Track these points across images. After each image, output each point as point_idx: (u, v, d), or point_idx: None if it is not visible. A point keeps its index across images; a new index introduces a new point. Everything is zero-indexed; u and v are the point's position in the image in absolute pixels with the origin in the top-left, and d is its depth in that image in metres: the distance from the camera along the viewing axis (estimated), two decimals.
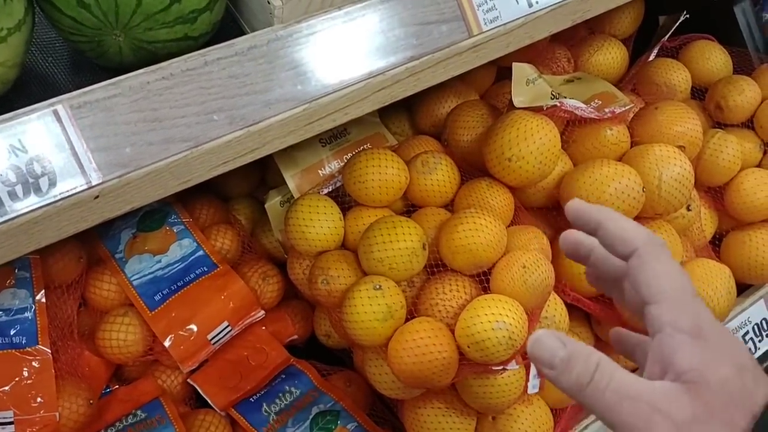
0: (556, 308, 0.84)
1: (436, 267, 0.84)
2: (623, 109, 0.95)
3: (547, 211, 0.97)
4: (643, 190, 0.88)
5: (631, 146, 0.98)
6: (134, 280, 0.91)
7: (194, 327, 0.89)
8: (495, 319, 0.73)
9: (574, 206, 0.53)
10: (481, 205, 0.86)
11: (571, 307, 0.89)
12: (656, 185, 0.90)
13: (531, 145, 0.84)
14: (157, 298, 0.90)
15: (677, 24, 1.19)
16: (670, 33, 1.20)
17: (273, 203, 0.99)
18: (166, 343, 0.88)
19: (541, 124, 0.85)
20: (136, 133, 0.60)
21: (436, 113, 1.06)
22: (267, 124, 0.66)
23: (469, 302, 0.78)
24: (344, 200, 0.91)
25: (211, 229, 0.99)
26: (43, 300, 0.83)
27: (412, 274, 0.82)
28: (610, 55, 1.18)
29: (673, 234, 0.94)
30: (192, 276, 0.93)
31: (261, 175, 1.13)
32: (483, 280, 0.81)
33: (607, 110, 0.94)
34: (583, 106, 0.91)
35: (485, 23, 0.77)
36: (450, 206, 0.92)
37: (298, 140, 0.72)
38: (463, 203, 0.88)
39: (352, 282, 0.81)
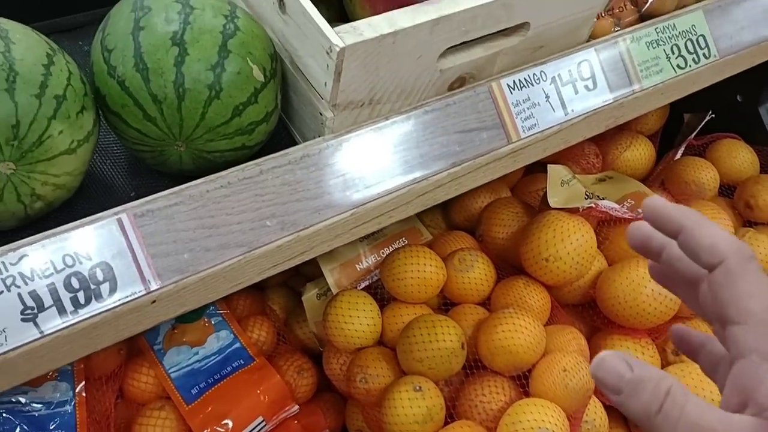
0: (596, 412, 0.83)
1: (474, 366, 0.84)
2: None
3: (582, 308, 0.98)
4: None
5: None
6: (172, 372, 0.92)
7: (230, 422, 0.89)
8: (537, 425, 0.72)
9: (654, 205, 0.47)
10: (519, 304, 0.86)
11: (609, 409, 0.88)
12: None
13: (568, 246, 0.85)
14: (194, 391, 0.90)
15: (703, 123, 1.23)
16: (696, 132, 1.23)
17: (310, 296, 1.00)
18: None
19: (577, 224, 0.87)
20: (194, 239, 0.62)
21: (470, 208, 1.09)
22: (316, 229, 0.68)
23: (509, 405, 0.77)
24: (381, 294, 0.92)
25: (248, 320, 1.00)
26: (83, 393, 0.84)
27: (450, 374, 0.82)
28: (638, 152, 1.21)
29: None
30: (229, 369, 0.93)
31: (296, 265, 1.14)
32: (523, 383, 0.81)
33: (640, 210, 0.95)
34: (617, 206, 0.93)
35: (523, 130, 0.80)
36: (487, 303, 0.92)
37: (344, 243, 0.74)
38: (501, 302, 0.89)
39: (390, 381, 0.81)
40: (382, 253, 0.98)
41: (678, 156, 1.23)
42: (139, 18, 0.62)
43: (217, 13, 0.64)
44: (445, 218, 1.13)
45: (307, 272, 1.11)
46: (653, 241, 0.52)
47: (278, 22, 0.70)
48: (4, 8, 0.90)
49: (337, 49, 0.62)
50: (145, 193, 0.72)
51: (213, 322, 0.98)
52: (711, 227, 0.45)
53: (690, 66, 0.93)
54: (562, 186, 0.93)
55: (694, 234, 0.45)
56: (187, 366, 0.93)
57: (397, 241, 1.01)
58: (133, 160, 0.75)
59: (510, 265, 0.95)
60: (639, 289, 0.87)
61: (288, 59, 0.72)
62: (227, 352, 0.95)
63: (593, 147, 1.22)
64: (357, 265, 0.97)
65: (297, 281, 1.11)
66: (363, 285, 0.94)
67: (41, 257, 0.56)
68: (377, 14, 0.67)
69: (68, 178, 0.61)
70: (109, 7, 0.95)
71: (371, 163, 0.71)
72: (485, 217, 0.99)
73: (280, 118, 0.79)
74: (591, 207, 0.90)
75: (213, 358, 0.94)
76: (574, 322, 0.93)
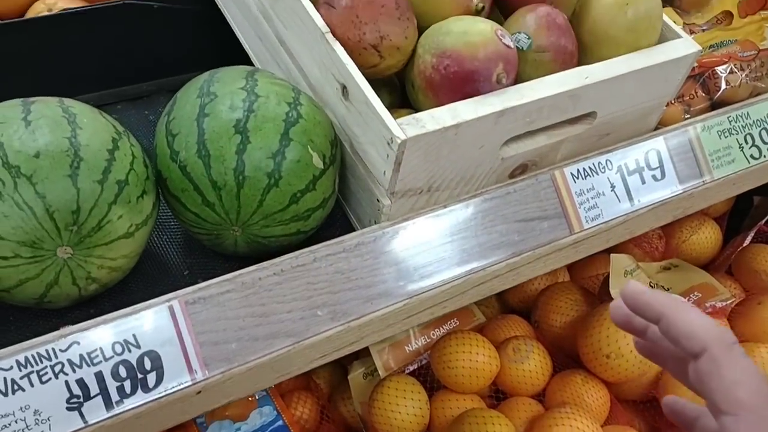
0: None
1: None
2: (724, 303, 0.91)
3: (643, 405, 0.92)
4: None
5: None
6: None
7: None
8: None
9: (632, 292, 0.48)
10: (576, 402, 0.82)
11: None
12: None
13: (630, 343, 0.81)
14: None
15: None
16: (767, 218, 1.17)
17: (356, 375, 0.98)
18: None
19: None
20: (243, 328, 0.61)
21: (526, 291, 1.05)
22: (367, 320, 0.66)
23: None
24: (430, 379, 0.89)
25: (292, 396, 0.98)
26: None
27: None
28: (704, 236, 1.15)
29: None
30: None
31: None
32: None
33: (707, 305, 0.90)
34: (683, 300, 0.87)
35: (587, 221, 0.77)
36: (541, 396, 0.88)
37: (395, 333, 0.71)
38: (557, 397, 0.85)
39: None
40: (433, 334, 0.95)
41: (747, 242, 1.17)
42: (204, 104, 0.62)
43: (281, 100, 0.64)
44: (499, 299, 1.09)
45: None
46: (636, 320, 0.51)
47: (341, 107, 0.70)
48: (74, 77, 0.94)
49: (399, 141, 0.61)
50: (199, 272, 0.73)
51: (257, 397, 0.96)
52: (691, 314, 0.46)
53: (765, 156, 0.89)
54: (625, 276, 0.88)
55: (674, 322, 0.46)
56: None
57: (449, 322, 0.97)
58: (189, 238, 0.75)
59: (567, 355, 0.91)
60: None
61: (348, 144, 0.71)
62: (269, 429, 0.93)
63: (657, 229, 1.18)
64: (406, 347, 0.94)
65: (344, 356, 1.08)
66: (411, 368, 0.91)
67: (91, 344, 0.55)
68: (440, 104, 0.66)
69: (124, 261, 0.61)
70: (174, 76, 0.98)
71: (427, 251, 0.69)
72: (541, 302, 0.96)
73: (337, 200, 0.78)
74: None
75: None
76: (634, 420, 0.88)
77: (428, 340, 0.95)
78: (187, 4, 0.96)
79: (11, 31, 0.87)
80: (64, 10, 0.92)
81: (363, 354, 1.00)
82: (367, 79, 0.67)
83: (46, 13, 0.99)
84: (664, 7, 0.95)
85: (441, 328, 0.95)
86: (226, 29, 0.94)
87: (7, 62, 0.88)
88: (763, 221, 1.17)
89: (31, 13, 1.00)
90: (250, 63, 0.90)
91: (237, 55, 0.91)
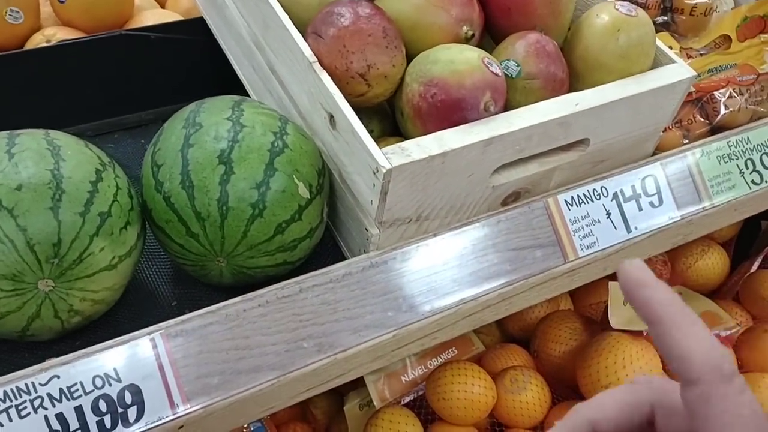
0: None
1: None
2: (729, 332, 0.88)
3: None
4: None
5: (740, 369, 0.91)
6: None
7: None
8: None
9: (634, 279, 0.38)
10: None
11: None
12: None
13: (630, 374, 0.79)
14: None
15: None
16: None
17: (352, 405, 0.96)
18: None
19: (641, 350, 0.80)
20: (226, 361, 0.60)
21: (526, 318, 1.03)
22: (355, 351, 0.65)
23: None
24: (426, 411, 0.87)
25: (288, 427, 0.97)
26: None
27: None
28: (711, 262, 1.13)
29: None
30: None
31: None
32: None
33: (712, 333, 0.87)
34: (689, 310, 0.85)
35: (581, 249, 0.76)
36: (540, 428, 0.86)
37: (384, 365, 0.70)
38: None
39: None
40: (430, 364, 0.94)
41: (754, 268, 1.14)
42: (189, 135, 0.62)
43: (266, 130, 0.64)
44: (500, 327, 1.07)
45: None
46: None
47: (329, 136, 0.69)
48: (72, 107, 0.95)
49: (384, 170, 0.60)
50: (187, 303, 0.72)
51: (252, 428, 0.94)
52: (692, 330, 0.38)
53: (766, 182, 0.87)
54: (625, 305, 0.86)
55: (671, 336, 0.38)
56: None
57: (447, 351, 0.96)
58: (177, 268, 0.75)
59: (567, 386, 0.89)
60: None
61: (337, 173, 0.71)
62: None
63: (661, 255, 1.15)
64: (402, 377, 0.92)
65: (343, 384, 1.07)
66: (408, 399, 0.90)
67: (71, 378, 0.55)
68: (428, 132, 0.65)
69: (107, 293, 0.61)
70: (171, 105, 0.99)
71: (416, 281, 0.68)
72: (541, 331, 0.94)
73: (328, 228, 0.77)
74: None
75: None
76: None
77: (425, 370, 0.93)
78: (184, 34, 0.97)
79: (10, 63, 0.88)
80: (63, 41, 0.93)
81: (360, 383, 0.98)
82: (356, 107, 0.67)
83: (45, 45, 1.00)
84: (660, 32, 0.95)
85: (439, 358, 0.94)
86: (222, 59, 0.95)
87: (6, 93, 0.89)
88: None
89: (29, 45, 1.01)
90: (245, 92, 0.91)
91: (233, 85, 0.91)
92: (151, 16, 1.07)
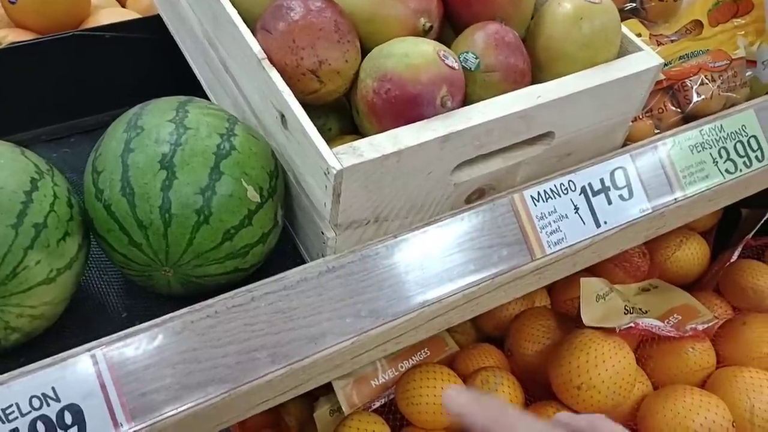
0: None
1: None
2: (706, 326, 0.86)
3: None
4: (734, 425, 0.78)
5: (718, 363, 0.89)
6: None
7: None
8: None
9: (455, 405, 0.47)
10: None
11: None
12: (748, 419, 0.79)
13: (603, 373, 0.77)
14: None
15: (762, 221, 1.12)
16: (754, 231, 1.12)
17: (322, 412, 0.94)
18: None
19: (614, 347, 0.78)
20: (173, 375, 0.57)
21: (500, 316, 1.01)
22: (312, 361, 0.62)
23: None
24: (396, 416, 0.85)
25: None
26: None
27: None
28: (691, 252, 1.11)
29: None
30: None
31: None
32: None
33: (688, 327, 0.86)
34: (660, 324, 0.83)
35: (549, 245, 0.73)
36: None
37: (345, 373, 0.68)
38: None
39: None
40: (401, 366, 0.91)
41: (734, 258, 1.12)
42: (130, 139, 0.59)
43: (212, 132, 0.61)
44: (474, 325, 1.05)
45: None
46: None
47: (281, 136, 0.67)
48: (27, 111, 0.92)
49: (335, 172, 0.57)
50: (137, 314, 0.69)
51: None
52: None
53: (741, 171, 0.84)
54: (597, 301, 0.84)
55: None
56: None
57: (419, 353, 0.93)
58: (128, 278, 0.72)
59: (541, 386, 0.86)
60: (686, 422, 0.77)
61: (291, 174, 0.68)
62: None
63: (639, 247, 1.13)
64: (372, 381, 0.90)
65: (317, 387, 1.04)
66: (378, 404, 0.87)
67: (6, 399, 0.52)
68: (384, 129, 0.63)
69: (46, 308, 0.58)
70: (128, 107, 0.95)
71: (376, 285, 0.66)
72: (514, 329, 0.91)
73: (288, 232, 0.75)
74: (630, 326, 0.81)
75: None
76: None
77: (396, 373, 0.91)
78: (140, 32, 0.94)
79: None
80: (13, 43, 0.89)
81: (332, 388, 0.96)
82: (310, 105, 0.64)
83: None
84: (629, 18, 0.92)
85: (410, 360, 0.91)
86: (180, 57, 0.92)
87: None
88: (750, 235, 1.13)
89: None
90: (204, 92, 0.88)
91: (191, 83, 0.88)
92: (108, 15, 1.03)
